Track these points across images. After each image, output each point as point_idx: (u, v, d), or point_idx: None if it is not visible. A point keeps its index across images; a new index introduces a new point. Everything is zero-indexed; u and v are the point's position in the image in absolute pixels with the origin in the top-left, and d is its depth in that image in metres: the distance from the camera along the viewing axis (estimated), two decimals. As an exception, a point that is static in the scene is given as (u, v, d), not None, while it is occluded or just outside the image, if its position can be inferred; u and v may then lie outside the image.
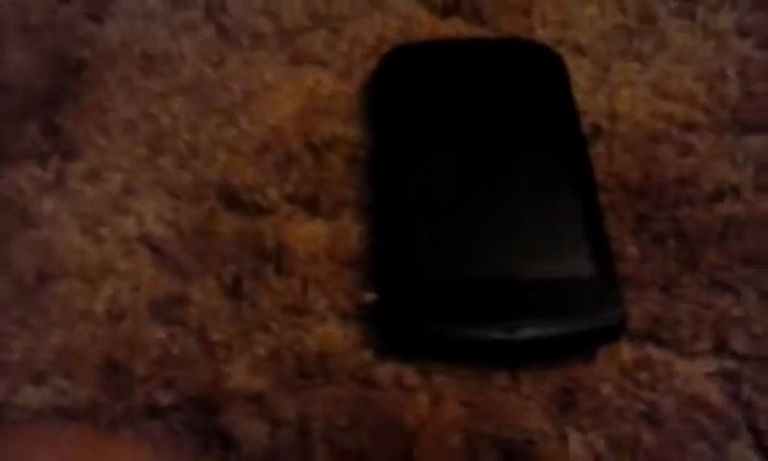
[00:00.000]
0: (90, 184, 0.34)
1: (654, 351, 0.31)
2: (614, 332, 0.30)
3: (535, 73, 0.37)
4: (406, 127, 0.35)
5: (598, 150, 0.36)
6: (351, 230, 0.33)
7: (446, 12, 0.40)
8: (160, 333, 0.29)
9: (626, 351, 0.31)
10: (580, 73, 0.38)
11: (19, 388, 0.28)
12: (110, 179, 0.34)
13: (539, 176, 0.33)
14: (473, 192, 0.33)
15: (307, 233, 0.32)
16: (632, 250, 0.33)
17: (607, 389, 0.30)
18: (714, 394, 0.30)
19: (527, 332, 0.29)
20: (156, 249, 0.32)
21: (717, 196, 0.35)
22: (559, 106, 0.36)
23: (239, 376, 0.29)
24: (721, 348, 0.31)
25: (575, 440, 0.29)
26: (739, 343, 0.31)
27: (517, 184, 0.33)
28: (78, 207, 0.33)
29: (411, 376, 0.30)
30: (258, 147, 0.35)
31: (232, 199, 0.33)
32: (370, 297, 0.31)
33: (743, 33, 0.40)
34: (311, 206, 0.34)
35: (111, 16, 0.39)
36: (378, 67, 0.37)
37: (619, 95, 0.38)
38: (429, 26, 0.40)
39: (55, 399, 0.28)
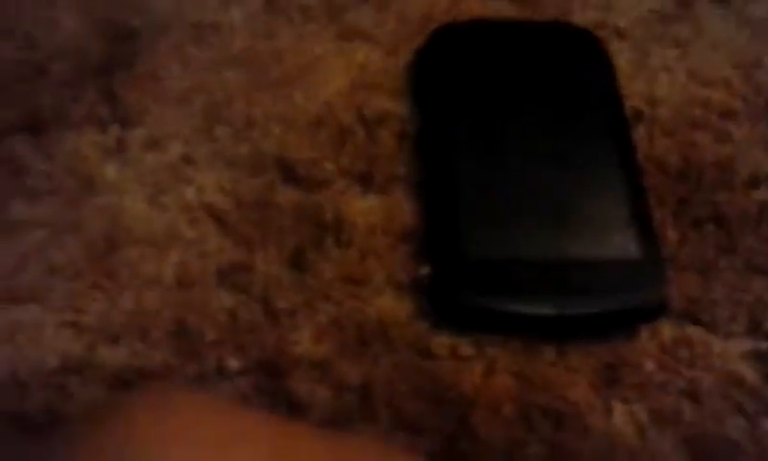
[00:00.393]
0: (150, 153, 0.34)
1: (692, 331, 0.32)
2: (657, 311, 0.32)
3: (579, 56, 0.38)
4: (453, 105, 0.35)
5: (639, 134, 0.37)
6: (404, 205, 0.34)
7: (492, -7, 0.41)
8: (227, 300, 0.30)
9: (666, 329, 0.32)
10: (620, 57, 0.39)
11: (96, 347, 0.29)
12: (169, 148, 0.35)
13: (585, 157, 0.35)
14: (521, 171, 0.34)
15: (364, 207, 0.33)
16: (671, 233, 0.35)
17: (649, 365, 0.31)
18: (749, 372, 0.32)
19: (574, 309, 0.31)
20: (218, 218, 0.33)
21: (754, 182, 0.36)
22: (603, 88, 0.37)
23: (304, 342, 0.30)
24: (755, 329, 0.33)
25: (619, 412, 0.30)
26: (772, 325, 0.33)
27: (564, 165, 0.34)
28: (140, 175, 0.33)
29: (465, 347, 0.31)
30: (312, 121, 0.36)
31: (289, 171, 0.34)
32: (424, 270, 0.32)
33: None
34: (365, 180, 0.35)
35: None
36: (425, 44, 0.38)
37: (659, 80, 0.39)
38: (475, 4, 0.40)
39: (131, 360, 0.29)
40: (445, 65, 0.37)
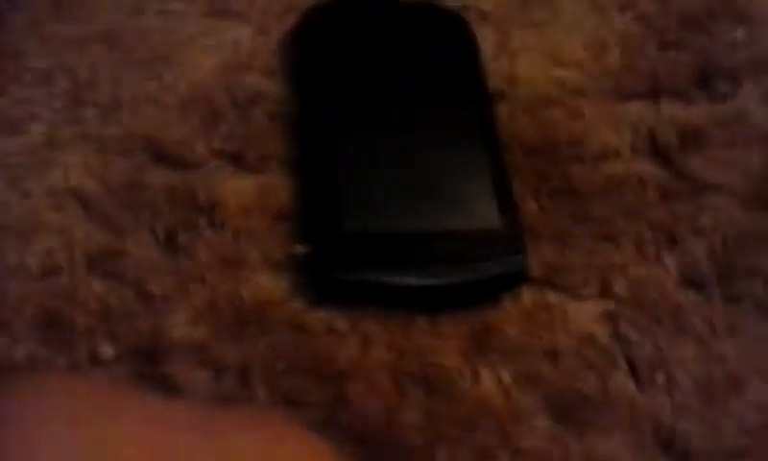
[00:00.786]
0: (9, 136, 0.33)
1: (551, 296, 0.35)
2: (517, 279, 0.34)
3: (447, 37, 0.39)
4: (326, 84, 0.36)
5: (501, 112, 0.39)
6: (278, 185, 0.34)
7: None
8: (98, 287, 0.30)
9: (527, 296, 0.35)
10: (484, 39, 0.41)
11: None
12: (31, 130, 0.33)
13: (451, 134, 0.36)
14: (392, 149, 0.35)
15: (237, 187, 0.33)
16: (530, 204, 0.37)
17: (512, 330, 0.34)
18: (600, 332, 0.34)
19: (438, 279, 0.33)
20: (85, 202, 0.32)
21: (602, 156, 0.39)
22: (468, 69, 0.39)
23: (180, 326, 0.30)
24: (606, 292, 0.36)
25: (487, 376, 0.32)
26: (620, 287, 0.36)
27: (432, 142, 0.36)
28: (0, 159, 0.32)
29: (341, 322, 0.32)
30: (183, 101, 0.35)
31: (160, 153, 0.34)
32: (300, 249, 0.33)
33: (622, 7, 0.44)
34: (237, 160, 0.35)
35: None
36: (297, 24, 0.38)
37: (519, 61, 0.41)
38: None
39: (-6, 354, 0.28)
40: (318, 44, 0.37)
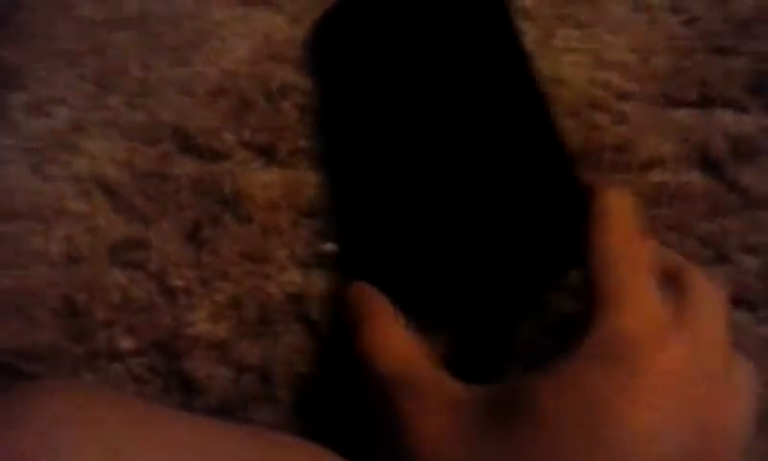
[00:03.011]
0: (34, 118, 0.32)
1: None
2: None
3: (488, 27, 0.37)
4: (355, 78, 0.35)
5: (542, 114, 0.37)
6: (307, 180, 0.33)
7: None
8: (120, 278, 0.29)
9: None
10: (526, 37, 0.40)
11: (-27, 330, 0.27)
12: (56, 114, 0.32)
13: (495, 131, 0.34)
14: (424, 150, 0.34)
15: (265, 180, 0.32)
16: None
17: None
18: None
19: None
20: (110, 190, 0.31)
21: (649, 165, 0.37)
22: (514, 63, 0.36)
23: (201, 322, 0.29)
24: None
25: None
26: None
27: (472, 139, 0.34)
28: (23, 142, 0.31)
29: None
30: (212, 89, 0.34)
31: (187, 142, 0.33)
32: (329, 247, 0.31)
33: (671, 9, 0.42)
34: (266, 153, 0.33)
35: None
36: (327, 14, 0.37)
37: (562, 61, 0.39)
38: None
39: (11, 341, 0.27)
40: (348, 36, 0.36)
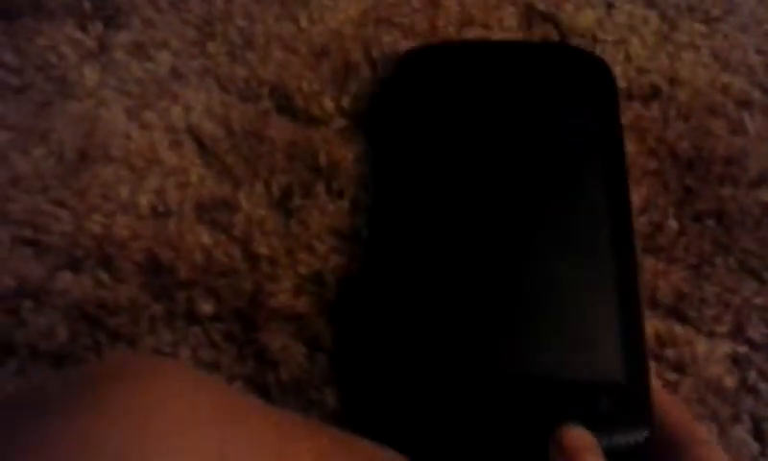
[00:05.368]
0: (135, 60, 0.31)
1: (677, 328, 0.32)
2: (637, 449, 0.25)
3: (575, 92, 0.31)
4: (418, 147, 0.29)
5: (653, 113, 0.35)
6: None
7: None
8: (205, 237, 0.29)
9: (651, 323, 0.31)
10: (646, 26, 0.37)
11: (57, 273, 0.27)
12: (157, 58, 0.32)
13: (567, 235, 0.28)
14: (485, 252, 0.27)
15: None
16: (671, 223, 0.33)
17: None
18: (727, 377, 0.31)
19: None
20: (203, 145, 0.30)
21: (760, 181, 0.35)
22: (602, 138, 0.30)
23: (282, 294, 0.28)
24: (738, 333, 0.32)
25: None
26: (755, 331, 0.32)
27: (540, 244, 0.28)
28: (122, 84, 0.31)
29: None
30: (316, 50, 0.33)
31: (286, 102, 0.32)
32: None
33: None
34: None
35: None
36: (393, 74, 0.32)
37: (682, 57, 0.37)
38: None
39: (94, 291, 0.27)
40: (412, 99, 0.30)
